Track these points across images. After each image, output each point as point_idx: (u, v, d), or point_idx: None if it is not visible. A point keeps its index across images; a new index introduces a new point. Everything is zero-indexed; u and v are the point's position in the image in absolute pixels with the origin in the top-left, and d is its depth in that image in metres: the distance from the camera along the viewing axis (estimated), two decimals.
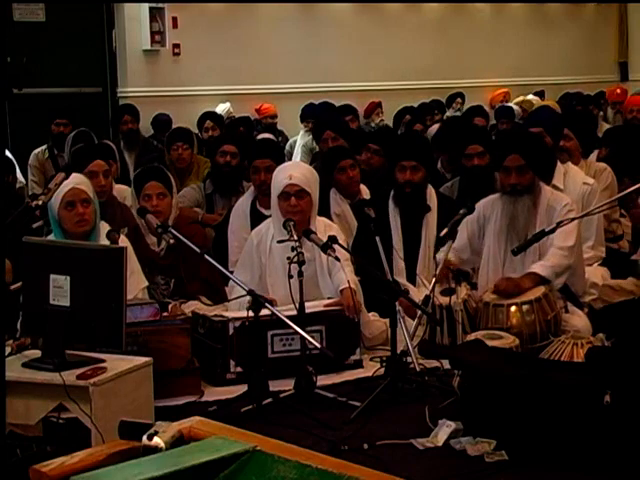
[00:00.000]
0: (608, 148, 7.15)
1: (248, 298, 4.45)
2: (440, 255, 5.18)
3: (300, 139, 10.03)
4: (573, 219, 5.04)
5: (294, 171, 5.30)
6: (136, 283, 4.98)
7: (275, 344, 4.90)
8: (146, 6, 9.99)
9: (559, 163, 6.04)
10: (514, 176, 5.27)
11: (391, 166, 5.95)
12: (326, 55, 11.17)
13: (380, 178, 6.73)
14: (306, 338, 4.34)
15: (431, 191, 5.85)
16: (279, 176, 5.30)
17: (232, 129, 9.30)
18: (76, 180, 4.98)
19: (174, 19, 10.22)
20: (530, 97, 11.85)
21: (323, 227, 5.27)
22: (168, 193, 5.62)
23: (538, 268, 5.16)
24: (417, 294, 5.43)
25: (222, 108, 10.31)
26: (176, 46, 10.28)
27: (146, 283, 5.10)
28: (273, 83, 10.79)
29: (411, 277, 5.73)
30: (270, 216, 5.42)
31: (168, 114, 9.72)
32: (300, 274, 4.58)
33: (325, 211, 6.01)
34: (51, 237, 5.00)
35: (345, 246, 5.09)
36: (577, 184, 5.97)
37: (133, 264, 4.99)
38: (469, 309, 5.15)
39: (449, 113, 11.42)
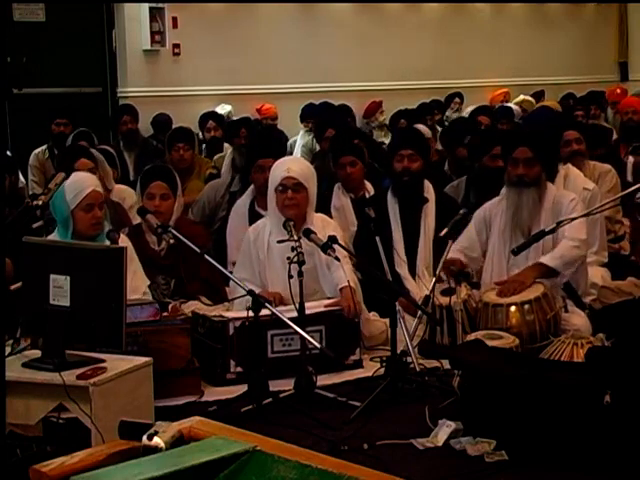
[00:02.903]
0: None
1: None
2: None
3: (300, 139, 10.02)
4: (574, 218, 5.03)
5: (292, 165, 5.30)
6: (140, 282, 4.99)
7: (275, 344, 4.90)
8: (146, 6, 9.99)
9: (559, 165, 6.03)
10: (521, 167, 5.31)
11: (389, 161, 6.02)
12: (326, 55, 11.16)
13: None
14: (306, 338, 4.34)
15: (428, 185, 5.90)
16: (277, 169, 5.29)
17: (233, 129, 9.26)
18: (95, 182, 5.05)
19: (174, 19, 10.21)
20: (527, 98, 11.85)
21: (320, 223, 5.26)
22: (172, 195, 5.61)
23: (545, 259, 5.16)
24: (417, 288, 5.51)
25: (223, 110, 10.26)
26: (176, 46, 10.27)
27: (147, 282, 5.09)
28: (273, 83, 10.78)
29: (411, 270, 5.74)
30: None
31: (168, 114, 9.72)
32: (300, 274, 4.57)
33: (327, 204, 6.01)
34: (52, 236, 5.00)
35: (344, 245, 5.08)
36: (577, 189, 5.93)
37: (135, 265, 4.99)
38: (469, 309, 5.15)
39: (448, 113, 11.43)
